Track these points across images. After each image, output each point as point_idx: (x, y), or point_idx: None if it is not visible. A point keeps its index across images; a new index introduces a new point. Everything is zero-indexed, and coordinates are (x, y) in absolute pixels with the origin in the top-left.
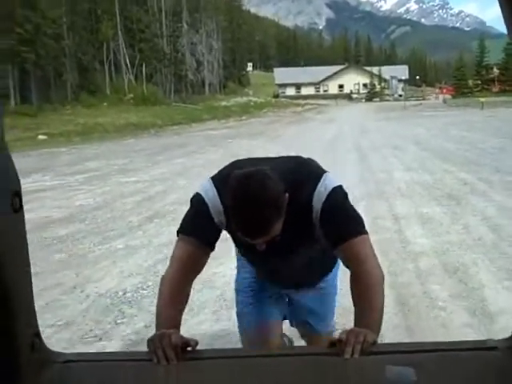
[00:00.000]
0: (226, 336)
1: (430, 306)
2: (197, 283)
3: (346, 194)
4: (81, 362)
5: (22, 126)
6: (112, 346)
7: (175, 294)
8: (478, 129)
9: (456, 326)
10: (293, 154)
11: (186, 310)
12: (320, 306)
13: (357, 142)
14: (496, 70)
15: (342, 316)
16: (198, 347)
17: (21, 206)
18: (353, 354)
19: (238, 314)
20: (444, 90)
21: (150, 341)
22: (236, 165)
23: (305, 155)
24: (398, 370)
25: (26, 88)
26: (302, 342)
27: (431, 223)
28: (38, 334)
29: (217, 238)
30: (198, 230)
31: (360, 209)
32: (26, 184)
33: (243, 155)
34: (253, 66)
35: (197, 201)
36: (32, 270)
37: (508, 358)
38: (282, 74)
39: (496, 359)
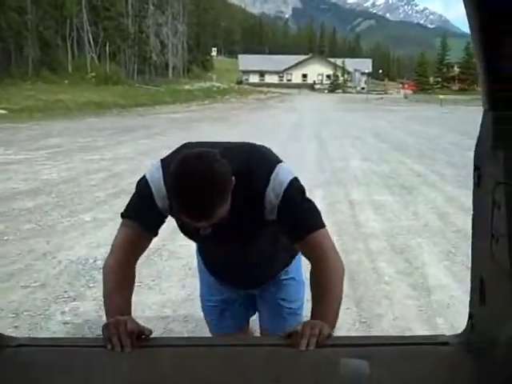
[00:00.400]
0: (194, 299)
1: (377, 280)
2: (164, 254)
3: (301, 187)
4: (33, 347)
5: None
6: (85, 306)
7: (121, 280)
8: (436, 124)
9: (398, 297)
10: (255, 139)
11: (154, 278)
12: (286, 297)
13: (317, 131)
14: (457, 69)
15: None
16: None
17: None
18: (308, 346)
19: (207, 320)
20: (406, 86)
21: (105, 327)
22: (186, 147)
23: (266, 142)
24: (352, 362)
25: None
26: None
27: (383, 209)
28: None
29: (160, 223)
30: (140, 215)
31: (318, 194)
32: None
33: (206, 138)
34: (217, 51)
35: (142, 185)
36: (3, 237)
37: (459, 354)
38: (246, 61)
39: (447, 354)
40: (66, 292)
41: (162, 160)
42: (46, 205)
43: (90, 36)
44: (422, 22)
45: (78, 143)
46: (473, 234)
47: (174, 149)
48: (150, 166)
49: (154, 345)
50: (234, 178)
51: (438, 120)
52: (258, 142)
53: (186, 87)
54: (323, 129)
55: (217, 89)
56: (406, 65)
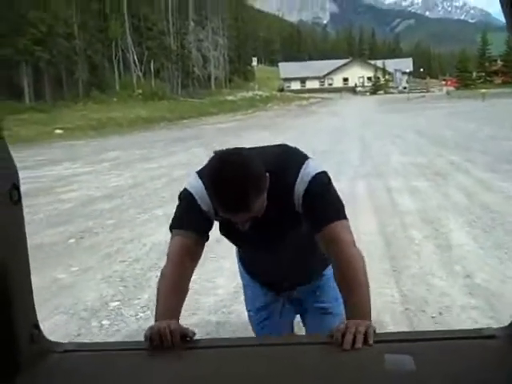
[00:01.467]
0: None
1: (408, 243)
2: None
3: (328, 180)
4: (79, 352)
5: (38, 122)
6: None
7: (174, 287)
8: (474, 118)
9: (425, 254)
10: (302, 143)
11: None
12: (324, 298)
13: (361, 132)
14: (499, 62)
15: None
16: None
17: (19, 199)
18: (354, 344)
19: (255, 333)
20: (448, 82)
21: (149, 329)
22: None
23: (313, 145)
24: (397, 358)
25: (39, 86)
26: None
27: (418, 193)
28: (36, 325)
29: (209, 227)
30: (190, 223)
31: (361, 184)
32: (61, 170)
33: (254, 145)
34: (257, 60)
35: (185, 196)
36: (93, 231)
37: (506, 346)
38: (287, 68)
39: (494, 347)
40: (156, 264)
41: (197, 172)
42: (121, 205)
43: (135, 55)
44: (462, 17)
45: (135, 155)
46: None
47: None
48: (188, 181)
49: (197, 346)
50: (268, 175)
51: (478, 114)
52: (304, 148)
53: (229, 98)
54: (365, 130)
55: (259, 97)
56: (448, 61)
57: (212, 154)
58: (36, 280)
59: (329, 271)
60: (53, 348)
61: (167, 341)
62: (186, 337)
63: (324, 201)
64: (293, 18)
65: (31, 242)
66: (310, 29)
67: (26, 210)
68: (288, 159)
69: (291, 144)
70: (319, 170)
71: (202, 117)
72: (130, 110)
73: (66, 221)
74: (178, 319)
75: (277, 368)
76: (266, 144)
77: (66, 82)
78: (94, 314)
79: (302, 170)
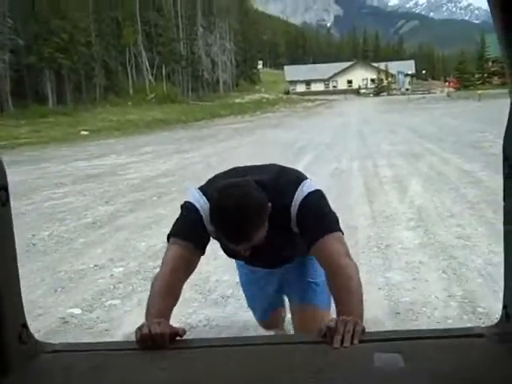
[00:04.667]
0: None
1: (382, 190)
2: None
3: (321, 196)
4: (69, 352)
5: (62, 124)
6: None
7: (166, 291)
8: (464, 117)
9: (390, 194)
10: (309, 138)
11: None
12: (309, 271)
13: (360, 128)
14: (499, 63)
15: None
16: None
17: (7, 200)
18: (342, 342)
19: (251, 308)
20: (450, 84)
21: (138, 329)
22: (220, 176)
23: (318, 139)
24: (386, 357)
25: (61, 91)
26: None
27: (395, 167)
28: (25, 325)
29: (207, 242)
30: (191, 234)
31: (355, 163)
32: (112, 161)
33: (267, 140)
34: (263, 64)
35: (189, 208)
36: (164, 193)
37: (494, 345)
38: (292, 72)
39: (483, 346)
40: None
41: (200, 188)
42: (176, 180)
43: (147, 61)
44: (466, 18)
45: (167, 149)
46: (505, 224)
47: (210, 176)
48: (191, 195)
49: (187, 346)
50: (270, 204)
51: (469, 113)
52: (312, 140)
53: (237, 100)
54: (364, 127)
55: (266, 100)
56: (452, 63)
57: (217, 173)
58: (148, 214)
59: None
60: (42, 348)
61: (157, 341)
62: (176, 336)
63: (316, 216)
64: (297, 20)
65: (133, 199)
66: (315, 31)
67: (107, 183)
68: (284, 182)
69: (303, 137)
70: (312, 189)
71: (214, 118)
72: (145, 112)
73: (142, 189)
74: (169, 320)
75: (267, 367)
76: (277, 138)
77: (85, 87)
78: None
79: (297, 192)
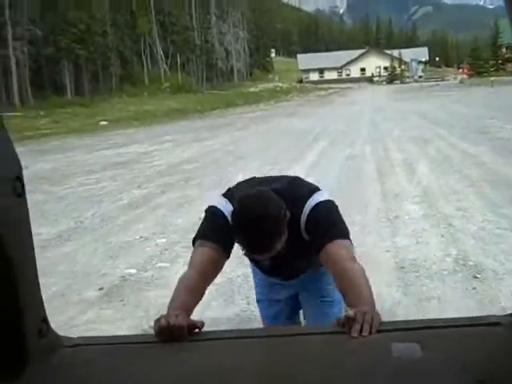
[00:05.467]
0: None
1: (392, 172)
2: None
3: (331, 205)
4: (89, 346)
5: (81, 114)
6: None
7: (191, 286)
8: (475, 104)
9: (400, 175)
10: (323, 126)
11: None
12: (324, 289)
13: (372, 116)
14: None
15: None
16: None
17: (23, 191)
18: (361, 332)
19: (263, 316)
20: (464, 70)
21: (156, 321)
22: (242, 184)
23: (332, 126)
24: (404, 346)
25: (78, 81)
26: None
27: (405, 151)
28: (45, 319)
29: (233, 246)
30: (218, 238)
31: (367, 148)
32: (135, 149)
33: (283, 128)
34: (276, 52)
35: (215, 213)
36: (192, 178)
37: (510, 334)
38: (305, 60)
39: (499, 335)
40: None
41: (224, 195)
42: (200, 166)
43: (161, 50)
44: (481, 3)
45: (186, 138)
46: None
47: (233, 184)
48: (216, 201)
49: (206, 338)
50: (288, 213)
51: (481, 100)
52: (327, 127)
53: (251, 89)
54: (377, 115)
55: (280, 89)
56: (466, 49)
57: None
58: (178, 195)
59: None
60: (62, 342)
61: (175, 333)
62: (194, 328)
63: (325, 223)
64: (309, 7)
65: (162, 183)
66: (327, 18)
67: (135, 169)
68: (299, 191)
69: (318, 124)
70: (323, 199)
71: (229, 108)
72: (161, 102)
73: (168, 174)
74: (190, 315)
75: (285, 358)
76: (292, 126)
77: (102, 77)
78: None
79: (308, 202)
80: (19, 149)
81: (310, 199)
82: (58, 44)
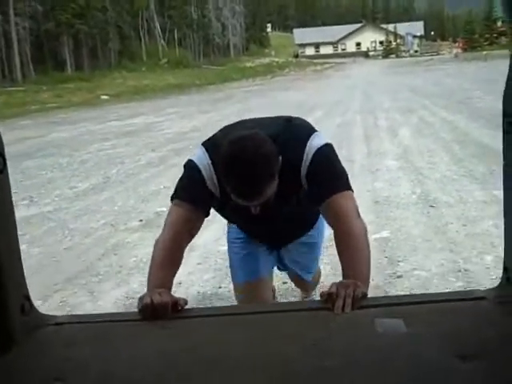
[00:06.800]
0: None
1: (378, 136)
2: None
3: (331, 151)
4: (71, 324)
5: (82, 89)
6: None
7: (168, 257)
8: (464, 77)
9: (384, 138)
10: (319, 97)
11: None
12: (304, 257)
13: (366, 89)
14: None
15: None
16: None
17: (4, 166)
18: (343, 307)
19: (232, 267)
20: (460, 44)
21: (140, 299)
22: (226, 130)
23: (327, 98)
24: (388, 322)
25: (77, 56)
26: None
27: (392, 119)
28: (27, 297)
29: (211, 204)
30: (193, 196)
31: (358, 117)
32: (142, 120)
33: (280, 101)
34: (272, 27)
35: (191, 168)
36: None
37: (496, 308)
38: (301, 35)
39: (484, 309)
40: None
41: (203, 144)
42: (206, 134)
43: (158, 25)
44: None
45: (190, 110)
46: (504, 183)
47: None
48: (195, 152)
49: (188, 315)
50: (280, 157)
51: (471, 74)
52: (321, 100)
53: (248, 64)
54: (370, 88)
55: (276, 64)
56: (462, 23)
57: (221, 127)
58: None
59: (314, 230)
60: (45, 320)
61: (159, 312)
62: (177, 306)
63: (327, 173)
64: None
65: (173, 148)
66: None
67: (146, 137)
68: (293, 134)
69: (313, 97)
70: (323, 143)
71: (226, 82)
72: (159, 77)
73: (178, 141)
74: (170, 290)
75: (270, 335)
76: (289, 99)
77: (101, 52)
78: None
79: (307, 146)
80: (27, 121)
81: (309, 142)
82: (58, 19)
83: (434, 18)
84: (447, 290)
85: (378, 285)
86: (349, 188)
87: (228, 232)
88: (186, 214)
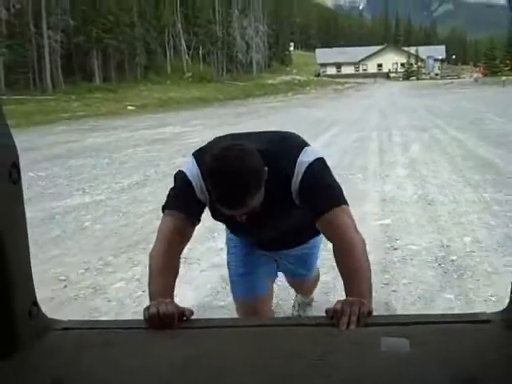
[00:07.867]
0: None
1: (392, 151)
2: None
3: (324, 166)
4: (78, 330)
5: (110, 99)
6: None
7: (165, 266)
8: (480, 101)
9: (397, 153)
10: (337, 117)
11: None
12: (302, 263)
13: (384, 109)
14: None
15: None
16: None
17: (18, 178)
18: (348, 325)
19: (231, 281)
20: (480, 69)
21: (146, 309)
22: (217, 141)
23: (346, 117)
24: (393, 341)
25: (105, 69)
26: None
27: (406, 136)
28: (35, 302)
29: (201, 211)
30: (184, 205)
31: (374, 134)
32: (171, 130)
33: (301, 116)
34: (294, 45)
35: (181, 178)
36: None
37: (501, 331)
38: (323, 54)
39: (489, 332)
40: None
41: (193, 154)
42: None
43: (184, 42)
44: (502, 1)
45: (214, 122)
46: None
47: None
48: (187, 162)
49: (194, 326)
50: (266, 168)
51: (487, 98)
52: (341, 117)
53: (270, 81)
54: (388, 108)
55: (297, 82)
56: (484, 48)
57: (214, 137)
58: None
59: (313, 239)
60: (52, 325)
61: (165, 322)
62: (183, 316)
63: (322, 187)
64: (329, 1)
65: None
66: (347, 13)
67: (175, 144)
68: (284, 147)
69: (333, 114)
70: (315, 157)
71: (249, 98)
72: (183, 90)
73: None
74: (173, 298)
75: (274, 348)
76: (309, 115)
77: (128, 66)
78: None
79: (298, 160)
80: (62, 127)
81: (300, 157)
82: (89, 33)
83: (457, 42)
84: (452, 312)
85: (379, 253)
86: (344, 202)
87: (228, 253)
88: (177, 222)
